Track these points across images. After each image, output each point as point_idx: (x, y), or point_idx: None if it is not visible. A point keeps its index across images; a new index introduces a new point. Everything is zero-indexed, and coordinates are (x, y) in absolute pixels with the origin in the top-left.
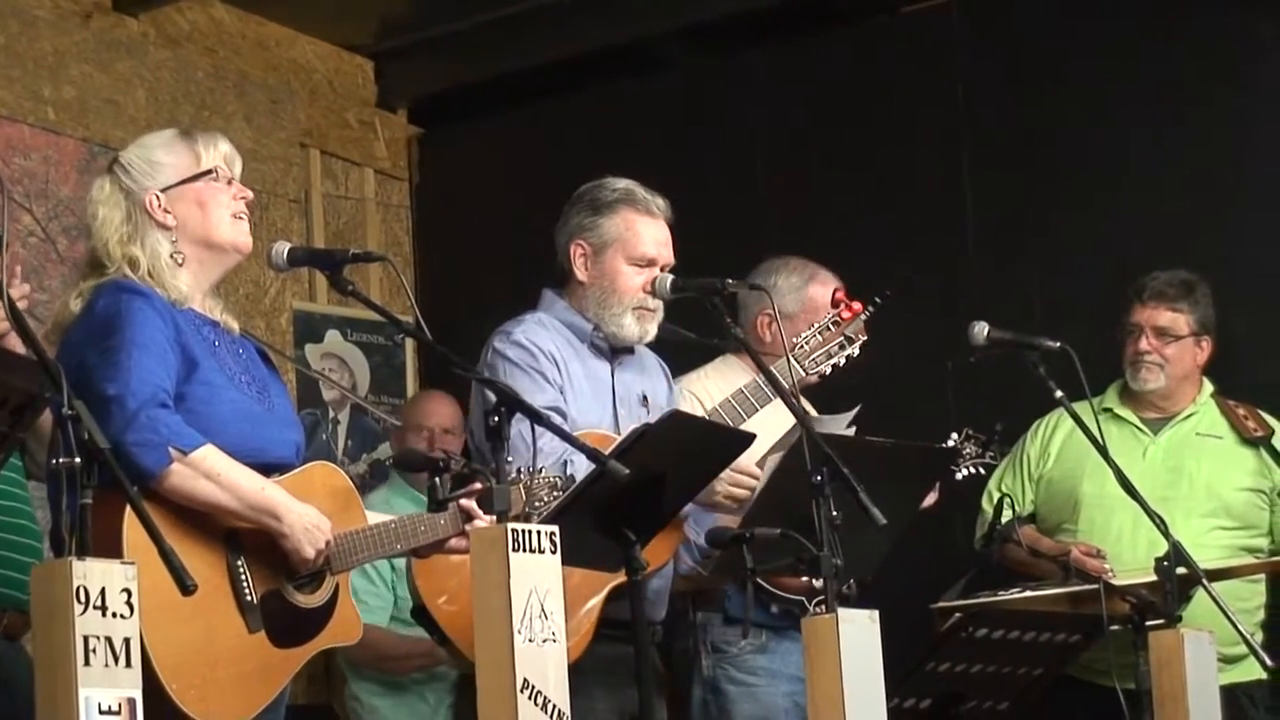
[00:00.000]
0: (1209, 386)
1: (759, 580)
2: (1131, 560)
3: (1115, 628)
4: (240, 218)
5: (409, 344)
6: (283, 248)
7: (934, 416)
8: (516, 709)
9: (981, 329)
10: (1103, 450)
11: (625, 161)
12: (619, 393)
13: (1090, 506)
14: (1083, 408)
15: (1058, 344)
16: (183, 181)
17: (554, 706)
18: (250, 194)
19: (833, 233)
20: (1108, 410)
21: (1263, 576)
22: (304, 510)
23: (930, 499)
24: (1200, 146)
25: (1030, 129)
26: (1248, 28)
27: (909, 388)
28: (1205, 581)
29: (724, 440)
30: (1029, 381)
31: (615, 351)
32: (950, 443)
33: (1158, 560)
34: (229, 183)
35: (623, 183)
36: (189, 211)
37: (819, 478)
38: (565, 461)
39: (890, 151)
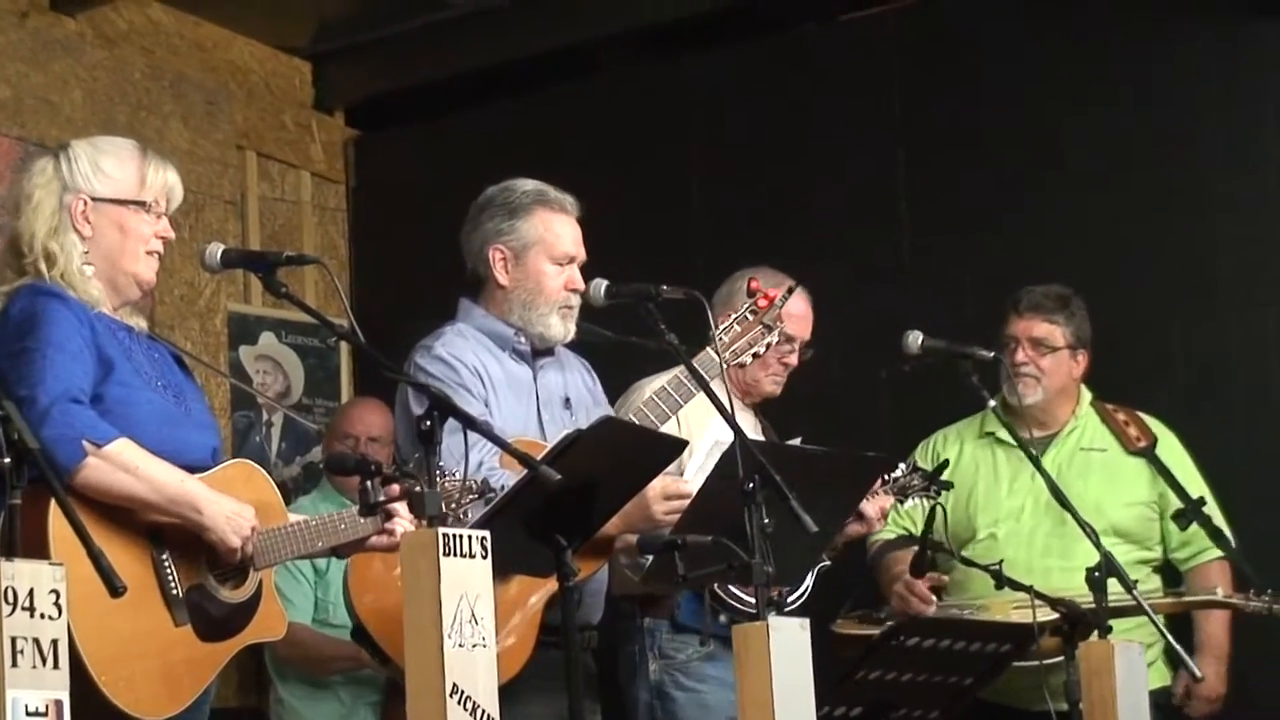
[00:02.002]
0: (1087, 395)
1: (714, 589)
2: (1029, 581)
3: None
4: (153, 254)
5: (344, 347)
6: (216, 249)
7: (868, 425)
8: (446, 714)
9: (915, 338)
10: (1035, 460)
11: (561, 166)
12: (542, 397)
13: (985, 529)
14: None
15: (991, 354)
16: (116, 201)
17: (484, 712)
18: (172, 235)
19: (766, 240)
20: (989, 434)
21: (1159, 587)
22: (225, 500)
23: (876, 516)
24: (1136, 149)
25: (967, 137)
26: (1184, 32)
27: (843, 396)
28: (1135, 593)
29: (657, 446)
30: (963, 389)
31: (536, 354)
32: (898, 473)
33: (1089, 571)
34: (159, 217)
35: (531, 184)
36: (108, 232)
37: (751, 485)
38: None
39: (826, 159)
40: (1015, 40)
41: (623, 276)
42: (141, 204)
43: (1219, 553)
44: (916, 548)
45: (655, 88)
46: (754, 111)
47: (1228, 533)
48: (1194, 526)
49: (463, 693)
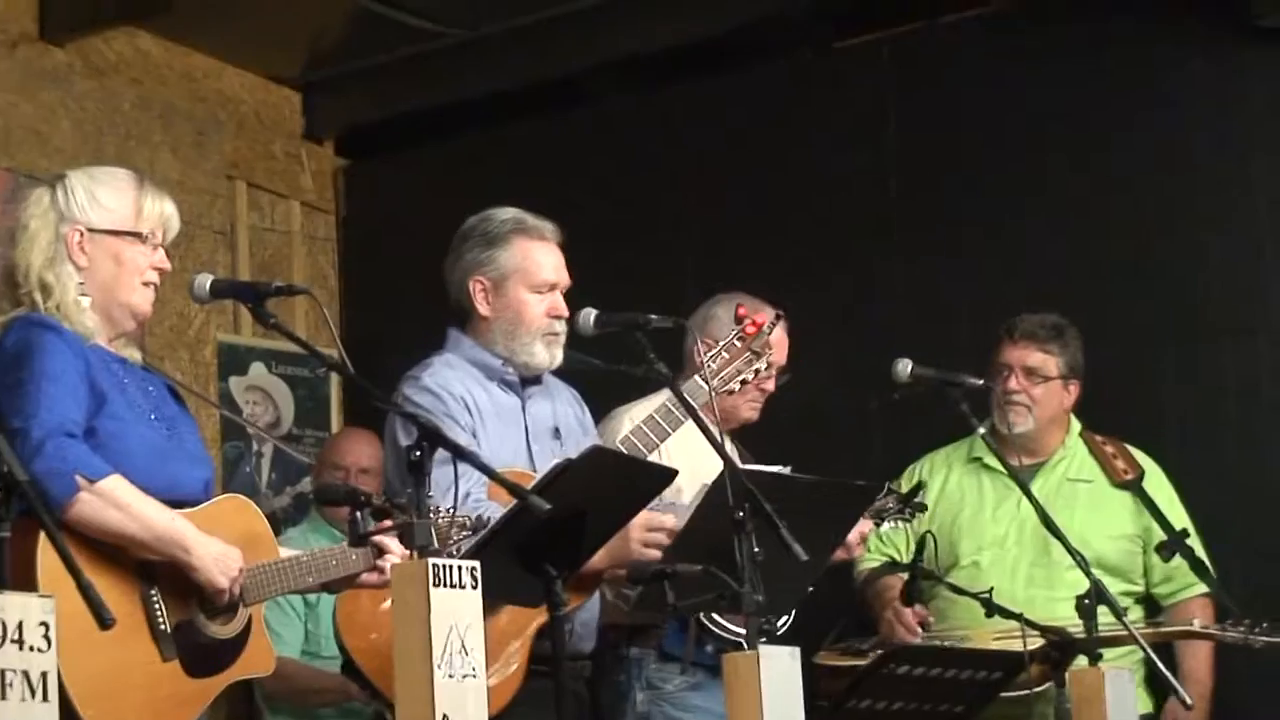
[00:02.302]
0: (1076, 425)
1: (700, 618)
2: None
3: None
4: (149, 285)
5: (334, 377)
6: (205, 280)
7: (859, 453)
8: None
9: (905, 366)
10: (1024, 486)
11: (551, 194)
12: (531, 428)
13: (968, 556)
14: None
15: (980, 381)
16: (112, 232)
17: None
18: (168, 266)
19: (758, 269)
20: (976, 460)
21: (1140, 619)
22: (212, 541)
23: (855, 541)
24: (1127, 175)
25: (959, 167)
26: (1174, 58)
27: (833, 424)
28: (1125, 620)
29: (646, 475)
30: (953, 417)
31: (524, 384)
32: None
33: (1079, 598)
34: (155, 248)
35: (510, 212)
36: (104, 263)
37: (741, 513)
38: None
39: (820, 187)
40: (1008, 68)
41: (612, 306)
42: (138, 235)
43: (1202, 589)
44: (906, 575)
45: (646, 116)
46: (747, 139)
47: (1210, 567)
48: (1177, 559)
49: None
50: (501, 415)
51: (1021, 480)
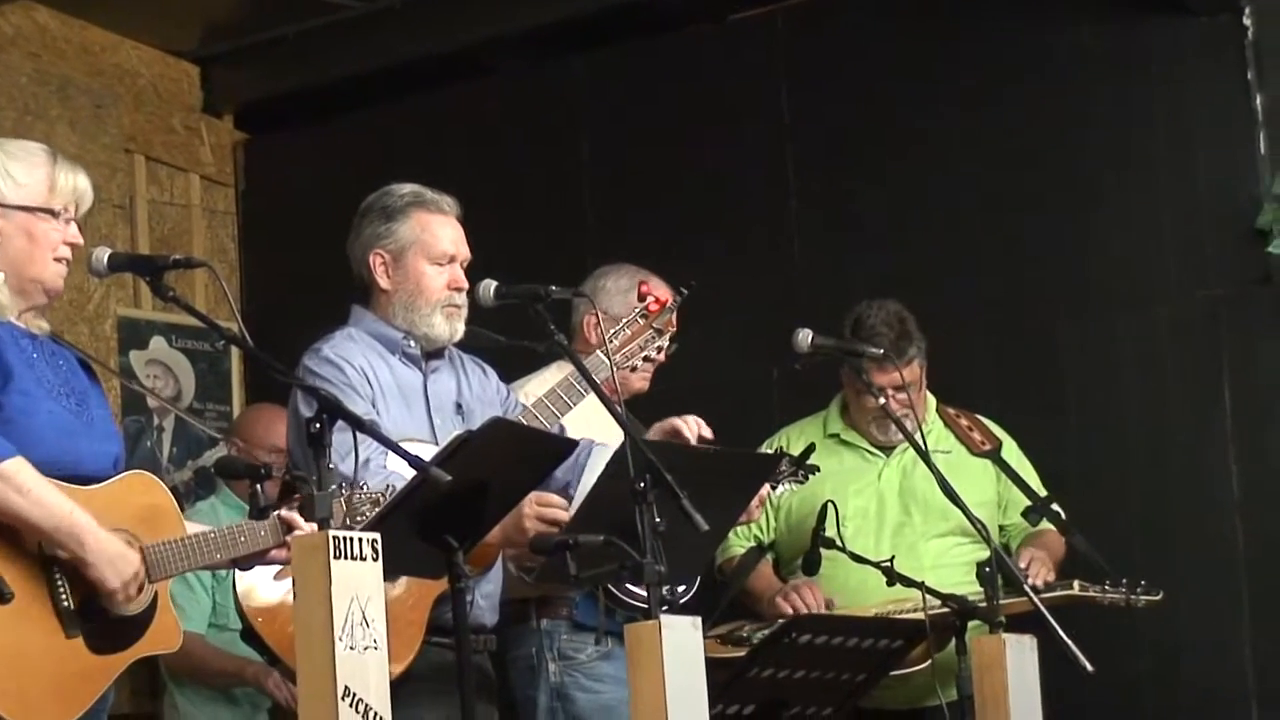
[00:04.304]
0: (932, 400)
1: (609, 587)
2: (877, 587)
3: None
4: (61, 261)
5: (235, 351)
6: (103, 253)
7: (760, 423)
8: (338, 716)
9: (806, 335)
10: (923, 453)
11: (451, 168)
12: (433, 401)
13: (832, 528)
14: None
15: (880, 350)
16: (24, 208)
17: (375, 714)
18: (81, 241)
19: (657, 239)
20: (834, 435)
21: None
22: (113, 542)
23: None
24: (1020, 148)
25: (855, 135)
26: (1066, 31)
27: (735, 393)
28: (1028, 587)
29: (547, 446)
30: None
31: (427, 358)
32: None
33: (979, 565)
34: (67, 223)
35: (408, 187)
36: (16, 238)
37: (642, 484)
38: (389, 487)
39: (716, 158)
40: (901, 39)
41: (512, 278)
42: (50, 211)
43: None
44: (770, 557)
45: (544, 89)
46: (644, 112)
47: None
48: (1044, 523)
49: (354, 695)
50: (403, 389)
51: (921, 448)
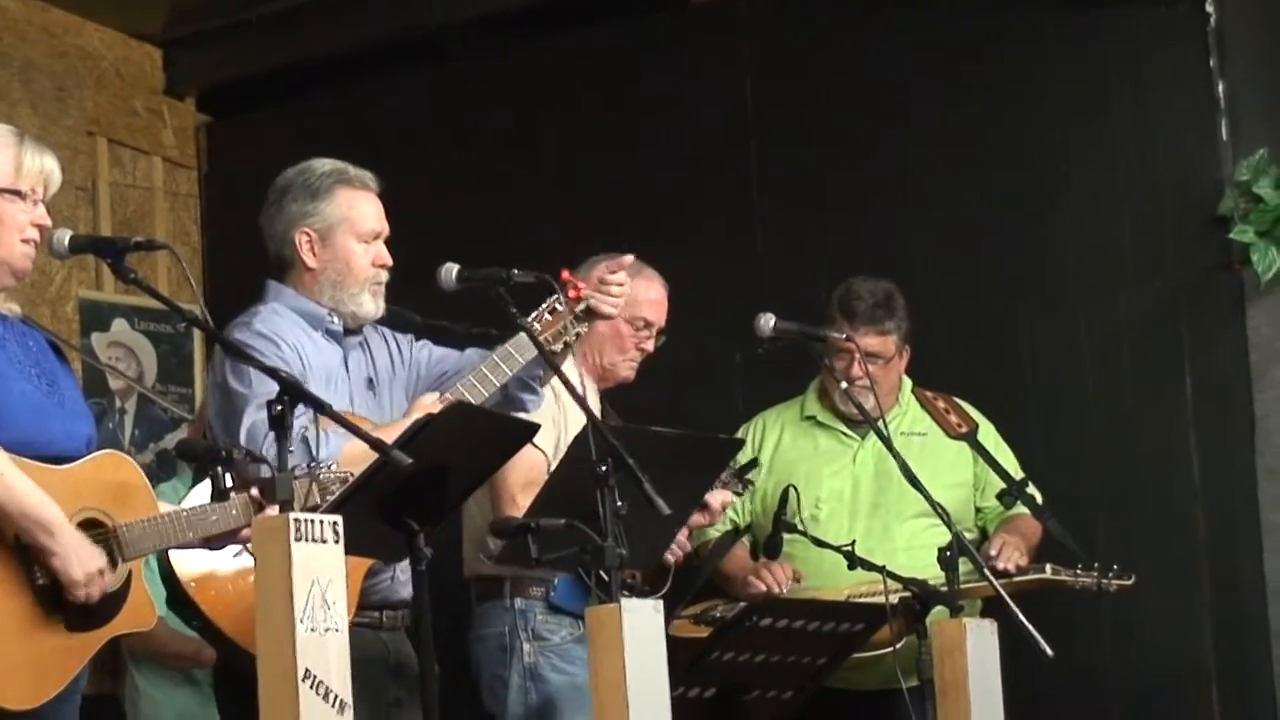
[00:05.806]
0: (908, 383)
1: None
2: (846, 571)
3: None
4: (29, 242)
5: (197, 334)
6: (64, 235)
7: (721, 407)
8: (298, 699)
9: (768, 320)
10: (887, 441)
11: (412, 151)
12: (353, 377)
13: (806, 510)
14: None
15: (844, 335)
16: None
17: (336, 696)
18: (49, 222)
19: (619, 227)
20: (810, 418)
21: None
22: (79, 536)
23: (718, 508)
24: (986, 136)
25: (818, 122)
26: (1032, 20)
27: (697, 379)
28: (986, 571)
29: (509, 429)
30: (816, 372)
31: (346, 334)
32: None
33: (941, 550)
34: (35, 204)
35: (329, 163)
36: None
37: (604, 468)
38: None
39: (678, 145)
40: (866, 27)
41: (469, 263)
42: (18, 192)
43: (1023, 510)
44: (747, 542)
45: (506, 75)
46: (607, 98)
47: (1050, 511)
48: (1019, 506)
49: (315, 677)
50: (325, 366)
51: (884, 435)
